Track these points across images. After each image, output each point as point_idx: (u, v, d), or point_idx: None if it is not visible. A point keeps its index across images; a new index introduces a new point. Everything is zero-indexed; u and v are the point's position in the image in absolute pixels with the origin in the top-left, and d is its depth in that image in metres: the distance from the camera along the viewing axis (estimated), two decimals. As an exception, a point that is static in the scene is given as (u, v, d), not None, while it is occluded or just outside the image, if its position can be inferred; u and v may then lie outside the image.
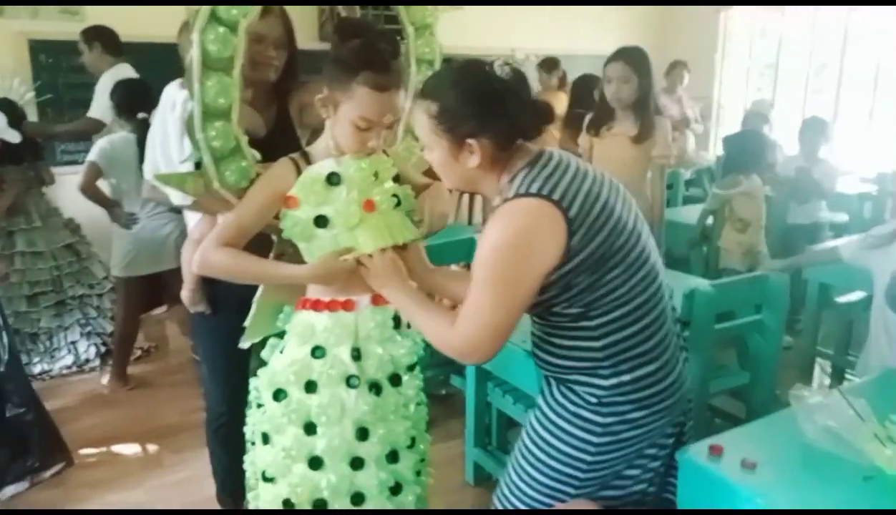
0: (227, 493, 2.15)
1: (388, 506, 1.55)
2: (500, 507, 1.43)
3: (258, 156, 1.53)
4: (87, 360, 3.42)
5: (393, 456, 1.55)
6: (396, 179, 1.54)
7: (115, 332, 3.28)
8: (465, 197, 4.97)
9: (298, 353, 1.48)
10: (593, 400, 1.28)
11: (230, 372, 1.99)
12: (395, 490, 1.56)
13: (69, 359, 3.40)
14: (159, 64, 3.83)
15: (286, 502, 1.50)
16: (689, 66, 5.30)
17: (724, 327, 2.26)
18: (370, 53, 1.39)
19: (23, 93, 3.57)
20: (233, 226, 1.46)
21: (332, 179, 1.44)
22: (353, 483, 1.51)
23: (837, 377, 3.12)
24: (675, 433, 1.41)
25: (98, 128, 3.58)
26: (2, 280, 3.28)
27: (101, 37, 3.52)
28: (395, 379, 1.54)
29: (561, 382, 1.34)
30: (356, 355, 1.48)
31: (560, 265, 1.22)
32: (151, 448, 2.71)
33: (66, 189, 3.86)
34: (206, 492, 2.28)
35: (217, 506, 2.18)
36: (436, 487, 1.89)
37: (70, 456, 2.56)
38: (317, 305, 1.49)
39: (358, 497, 1.52)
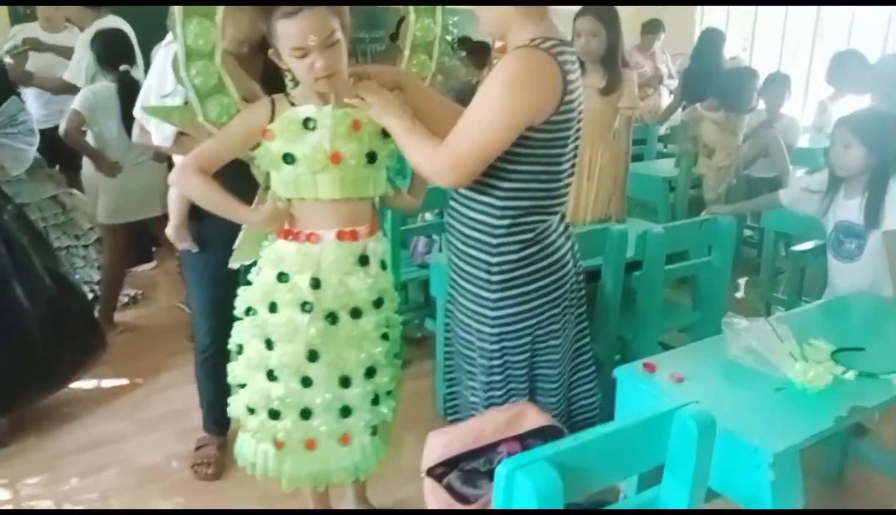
0: (213, 421, 2.30)
1: (336, 426, 1.68)
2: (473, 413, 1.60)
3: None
4: (76, 306, 3.51)
5: (345, 382, 1.66)
6: (388, 135, 1.58)
7: (102, 280, 3.34)
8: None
9: (268, 276, 1.64)
10: (485, 261, 1.52)
11: (216, 307, 2.12)
12: (345, 412, 1.68)
13: (59, 304, 3.48)
14: (144, 16, 3.86)
15: (248, 408, 1.68)
16: (665, 24, 5.36)
17: (674, 268, 2.39)
18: None
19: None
20: (209, 151, 1.58)
21: (308, 124, 1.54)
22: (303, 400, 1.65)
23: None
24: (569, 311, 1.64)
25: (67, 90, 3.49)
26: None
27: None
28: (356, 313, 1.65)
29: (460, 257, 1.57)
30: (314, 284, 1.60)
31: (546, 121, 1.38)
32: (139, 384, 2.83)
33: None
34: (193, 422, 2.42)
35: (203, 434, 2.34)
36: (409, 418, 2.03)
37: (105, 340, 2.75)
38: (287, 235, 1.63)
39: (306, 413, 1.66)
